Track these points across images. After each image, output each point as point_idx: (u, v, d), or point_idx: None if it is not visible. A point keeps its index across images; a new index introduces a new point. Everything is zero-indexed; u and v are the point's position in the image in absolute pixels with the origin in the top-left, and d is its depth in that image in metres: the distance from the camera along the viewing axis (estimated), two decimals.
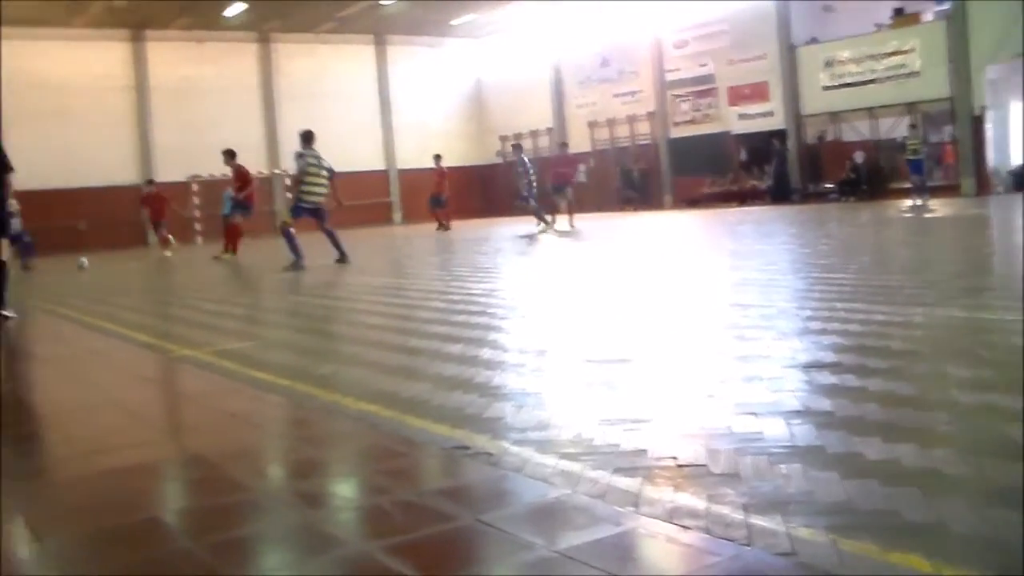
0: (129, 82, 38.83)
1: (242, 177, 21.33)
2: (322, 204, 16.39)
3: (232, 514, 3.05)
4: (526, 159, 26.57)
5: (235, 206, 21.96)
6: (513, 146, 30.04)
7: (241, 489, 3.32)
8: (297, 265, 15.35)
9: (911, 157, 27.24)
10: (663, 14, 37.49)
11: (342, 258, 16.00)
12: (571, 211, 25.66)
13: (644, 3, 37.68)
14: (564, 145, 30.16)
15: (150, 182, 29.87)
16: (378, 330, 7.18)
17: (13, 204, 20.62)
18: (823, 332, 5.53)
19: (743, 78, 34.66)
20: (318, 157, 16.23)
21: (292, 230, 16.23)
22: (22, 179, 32.44)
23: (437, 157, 29.88)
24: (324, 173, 16.21)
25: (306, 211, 16.26)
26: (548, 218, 24.09)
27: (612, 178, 40.01)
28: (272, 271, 15.73)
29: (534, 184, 25.19)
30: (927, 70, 29.29)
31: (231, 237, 22.15)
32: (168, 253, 26.23)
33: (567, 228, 23.31)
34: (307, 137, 16.23)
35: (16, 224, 23.19)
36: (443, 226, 28.36)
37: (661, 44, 37.72)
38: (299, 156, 16.28)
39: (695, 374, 4.70)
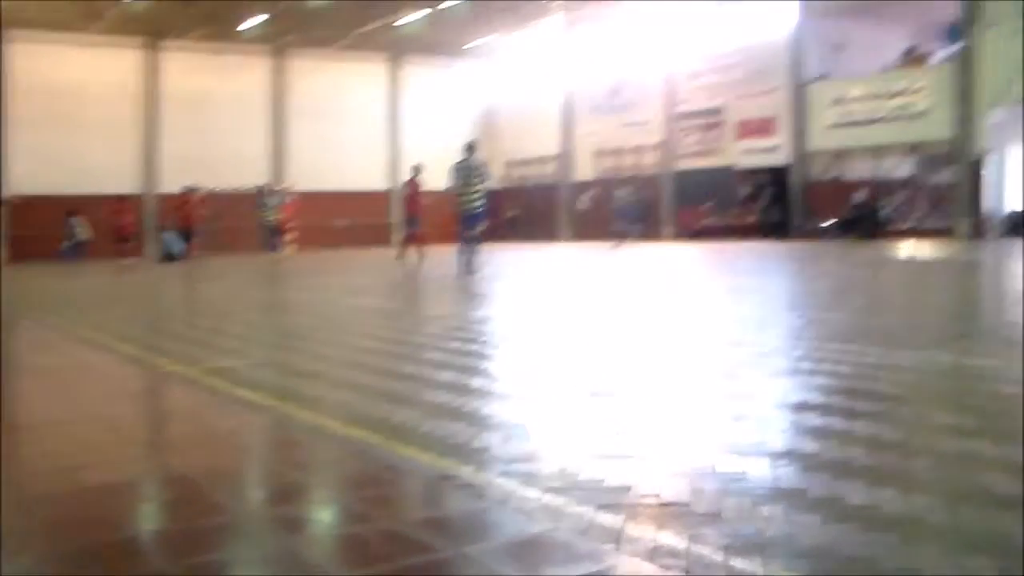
0: (140, 90, 38.93)
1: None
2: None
3: (211, 537, 3.03)
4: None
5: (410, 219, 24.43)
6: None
7: (221, 511, 3.31)
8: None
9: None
10: (678, 45, 37.62)
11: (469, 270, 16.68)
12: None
13: (658, 33, 37.86)
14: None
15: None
16: (371, 354, 7.17)
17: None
18: (813, 372, 5.53)
19: (752, 112, 34.76)
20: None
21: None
22: (20, 184, 32.46)
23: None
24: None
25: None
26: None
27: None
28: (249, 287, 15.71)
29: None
30: (932, 112, 29.43)
31: (418, 242, 24.16)
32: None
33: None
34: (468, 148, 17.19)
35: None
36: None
37: (673, 75, 37.83)
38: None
39: (683, 411, 4.69)
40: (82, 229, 30.93)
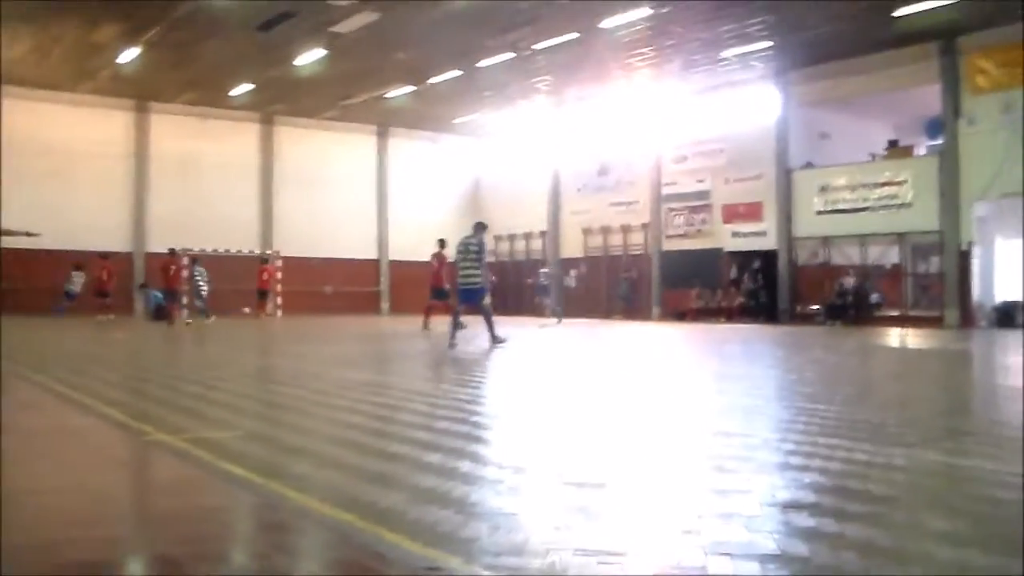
0: (129, 151, 39.13)
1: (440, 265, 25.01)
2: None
3: None
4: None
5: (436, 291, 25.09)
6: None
7: None
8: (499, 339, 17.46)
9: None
10: (664, 129, 38.15)
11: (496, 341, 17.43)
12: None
13: (644, 117, 38.39)
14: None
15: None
16: (358, 430, 7.13)
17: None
18: (804, 469, 5.51)
19: (738, 197, 35.17)
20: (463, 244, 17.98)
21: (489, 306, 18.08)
22: (10, 238, 32.68)
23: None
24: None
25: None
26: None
27: (603, 285, 40.29)
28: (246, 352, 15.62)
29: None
30: (918, 202, 29.79)
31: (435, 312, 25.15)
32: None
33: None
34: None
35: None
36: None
37: (660, 158, 38.30)
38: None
39: (673, 506, 4.66)
40: (74, 284, 32.03)
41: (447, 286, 24.64)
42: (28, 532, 4.17)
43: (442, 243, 25.34)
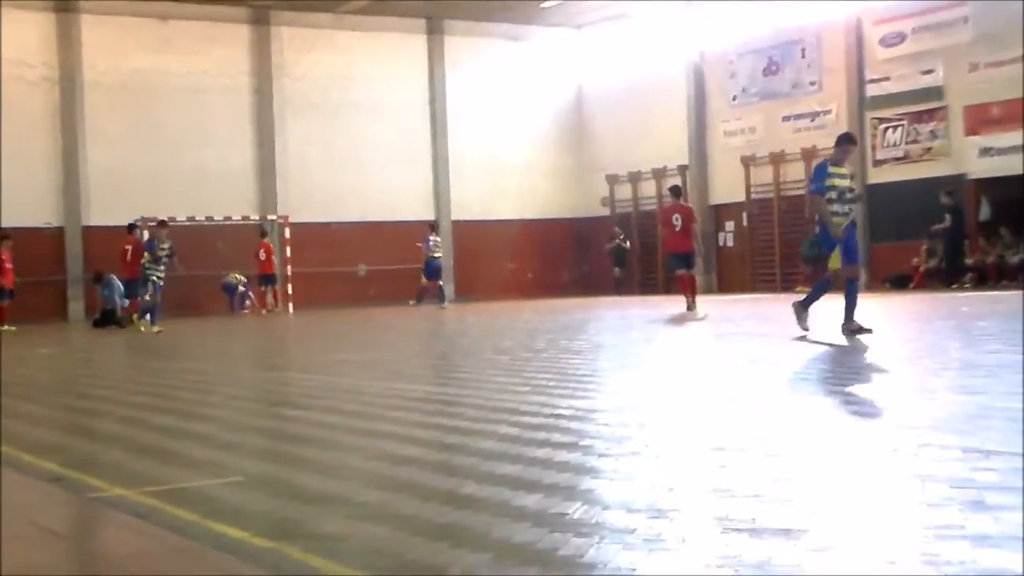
0: (51, 73, 39.10)
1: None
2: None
3: None
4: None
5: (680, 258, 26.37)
6: None
7: None
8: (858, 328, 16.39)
9: None
10: None
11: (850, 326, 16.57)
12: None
13: None
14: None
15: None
16: (414, 466, 7.19)
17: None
18: None
19: (992, 92, 33.94)
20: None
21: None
22: None
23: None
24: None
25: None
26: None
27: (776, 242, 39.75)
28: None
29: None
30: None
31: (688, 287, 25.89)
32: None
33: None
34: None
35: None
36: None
37: (862, 39, 37.38)
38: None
39: (902, 559, 4.59)
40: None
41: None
42: None
43: (677, 190, 26.59)
